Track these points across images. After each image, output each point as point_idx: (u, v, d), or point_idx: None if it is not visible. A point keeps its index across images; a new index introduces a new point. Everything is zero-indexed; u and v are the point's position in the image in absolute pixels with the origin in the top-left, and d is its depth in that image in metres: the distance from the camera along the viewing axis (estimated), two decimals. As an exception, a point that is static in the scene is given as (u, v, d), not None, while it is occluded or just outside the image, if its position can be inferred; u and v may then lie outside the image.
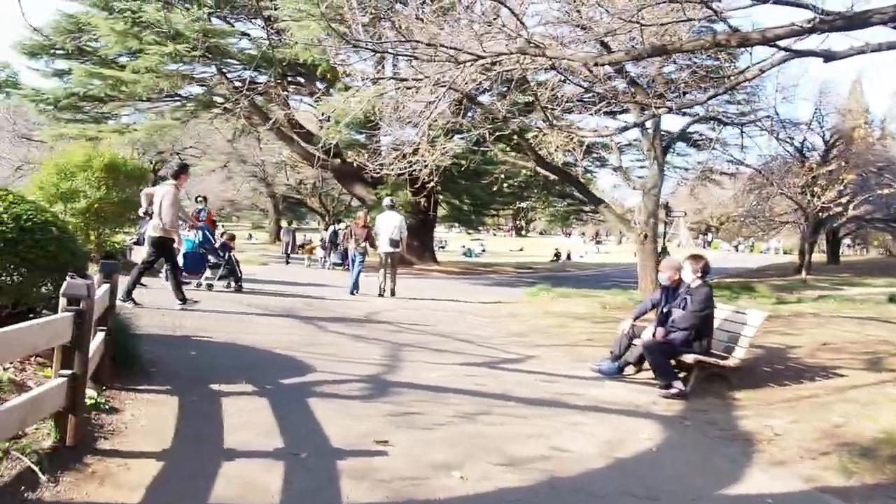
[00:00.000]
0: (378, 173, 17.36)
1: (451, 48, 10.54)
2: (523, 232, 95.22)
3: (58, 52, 26.71)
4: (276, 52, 23.22)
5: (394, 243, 14.59)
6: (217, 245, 13.93)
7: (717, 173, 30.78)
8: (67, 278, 3.79)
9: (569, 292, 16.96)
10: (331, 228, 31.93)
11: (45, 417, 3.71)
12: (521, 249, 65.14)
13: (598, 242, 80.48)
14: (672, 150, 23.62)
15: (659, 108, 10.68)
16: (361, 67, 21.98)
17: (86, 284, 3.71)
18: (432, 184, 17.50)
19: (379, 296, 14.40)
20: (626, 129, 12.55)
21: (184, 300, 9.91)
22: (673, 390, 6.87)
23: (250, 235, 68.30)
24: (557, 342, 9.68)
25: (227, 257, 13.58)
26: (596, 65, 9.61)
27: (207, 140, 49.15)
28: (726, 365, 7.20)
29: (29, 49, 26.59)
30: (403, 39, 10.66)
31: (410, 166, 16.23)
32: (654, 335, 7.26)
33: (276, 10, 20.16)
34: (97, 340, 4.74)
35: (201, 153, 51.93)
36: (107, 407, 4.66)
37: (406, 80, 13.34)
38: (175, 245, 10.24)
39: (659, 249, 31.73)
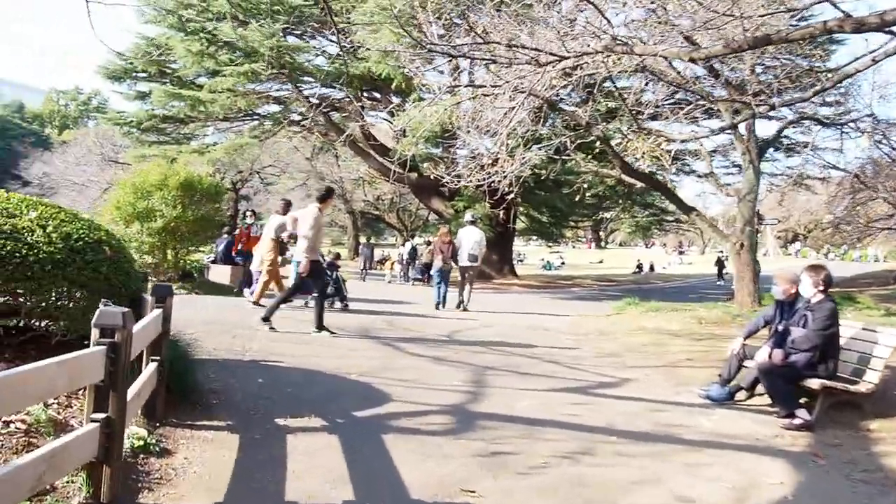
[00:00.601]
0: (456, 185, 16.82)
1: (531, 49, 9.93)
2: (603, 244, 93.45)
3: (139, 75, 27.22)
4: (350, 66, 23.05)
5: (472, 258, 14.73)
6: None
7: (808, 178, 29.09)
8: (101, 305, 3.27)
9: (658, 306, 15.98)
10: (408, 244, 31.61)
11: (75, 471, 3.18)
12: (601, 261, 63.74)
13: (680, 253, 78.27)
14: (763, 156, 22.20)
15: (759, 105, 9.78)
16: (436, 79, 21.53)
17: (120, 312, 3.18)
18: (512, 195, 16.83)
19: (461, 310, 14.37)
20: (722, 129, 11.65)
21: (267, 320, 9.48)
22: (797, 420, 6.00)
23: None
24: (655, 363, 8.85)
25: (334, 276, 13.27)
26: (690, 60, 8.80)
27: (287, 158, 49.87)
28: (858, 391, 6.28)
29: (111, 73, 27.17)
30: (481, 41, 10.10)
31: (489, 177, 15.64)
32: (769, 357, 6.42)
33: (349, 22, 19.90)
34: (147, 373, 4.25)
35: (280, 171, 52.67)
36: (157, 448, 4.13)
37: (484, 86, 12.75)
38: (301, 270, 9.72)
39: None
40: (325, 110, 26.55)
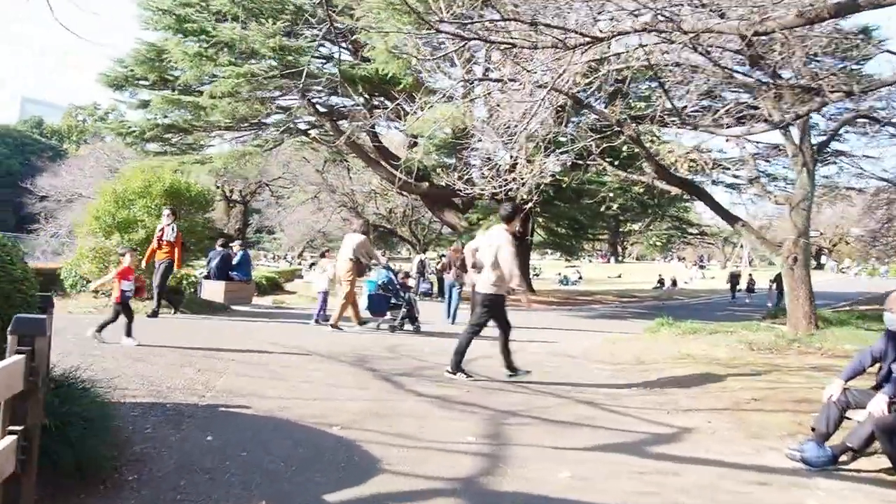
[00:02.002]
0: (469, 194, 15.31)
1: (558, 28, 8.41)
2: (620, 258, 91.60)
3: (141, 82, 25.82)
4: (356, 69, 21.66)
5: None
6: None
7: (844, 189, 27.34)
8: None
9: (695, 327, 14.32)
10: (416, 258, 30.05)
11: None
12: (620, 276, 61.93)
13: (700, 267, 76.36)
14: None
15: (834, 91, 8.15)
16: (447, 85, 20.04)
17: None
18: (530, 205, 15.29)
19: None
20: (780, 125, 10.05)
21: (514, 370, 7.97)
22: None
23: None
24: (714, 404, 7.18)
25: (406, 298, 12.73)
26: (756, 34, 7.22)
27: (296, 170, 48.80)
28: None
29: (112, 80, 25.84)
30: (499, 19, 8.57)
31: (506, 184, 14.14)
32: (889, 408, 4.80)
33: (355, 19, 18.46)
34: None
35: (290, 183, 51.63)
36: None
37: (501, 80, 11.23)
38: (524, 303, 8.38)
39: (773, 276, 28.41)
40: (333, 118, 25.20)
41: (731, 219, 13.45)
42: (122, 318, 8.33)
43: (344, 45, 24.18)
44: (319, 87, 25.39)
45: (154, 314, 11.80)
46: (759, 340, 11.84)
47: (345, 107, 25.86)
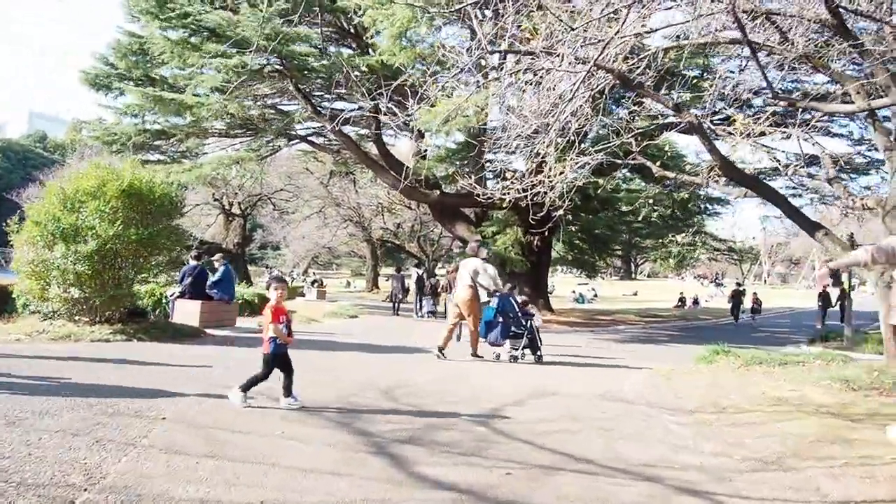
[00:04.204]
0: (490, 199, 13.07)
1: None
2: (633, 275, 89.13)
3: (125, 83, 23.67)
4: (360, 60, 19.59)
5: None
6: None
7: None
8: None
9: (758, 356, 12.00)
10: (414, 273, 27.58)
11: None
12: (636, 294, 59.68)
13: (718, 285, 73.90)
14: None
15: None
16: (465, 60, 17.89)
17: None
18: (560, 211, 13.02)
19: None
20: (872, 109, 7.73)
21: None
22: None
23: (348, 283, 65.75)
24: (875, 492, 4.72)
25: (528, 326, 11.83)
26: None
27: (300, 183, 46.88)
28: None
29: (94, 79, 23.66)
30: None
31: (532, 188, 11.89)
32: None
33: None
34: None
35: (294, 196, 49.66)
36: None
37: (533, 53, 8.97)
38: None
39: (835, 295, 25.68)
40: (334, 121, 23.05)
41: (811, 227, 11.03)
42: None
43: (343, 38, 22.14)
44: (320, 91, 23.31)
45: None
46: (855, 377, 9.39)
47: (346, 110, 23.75)
